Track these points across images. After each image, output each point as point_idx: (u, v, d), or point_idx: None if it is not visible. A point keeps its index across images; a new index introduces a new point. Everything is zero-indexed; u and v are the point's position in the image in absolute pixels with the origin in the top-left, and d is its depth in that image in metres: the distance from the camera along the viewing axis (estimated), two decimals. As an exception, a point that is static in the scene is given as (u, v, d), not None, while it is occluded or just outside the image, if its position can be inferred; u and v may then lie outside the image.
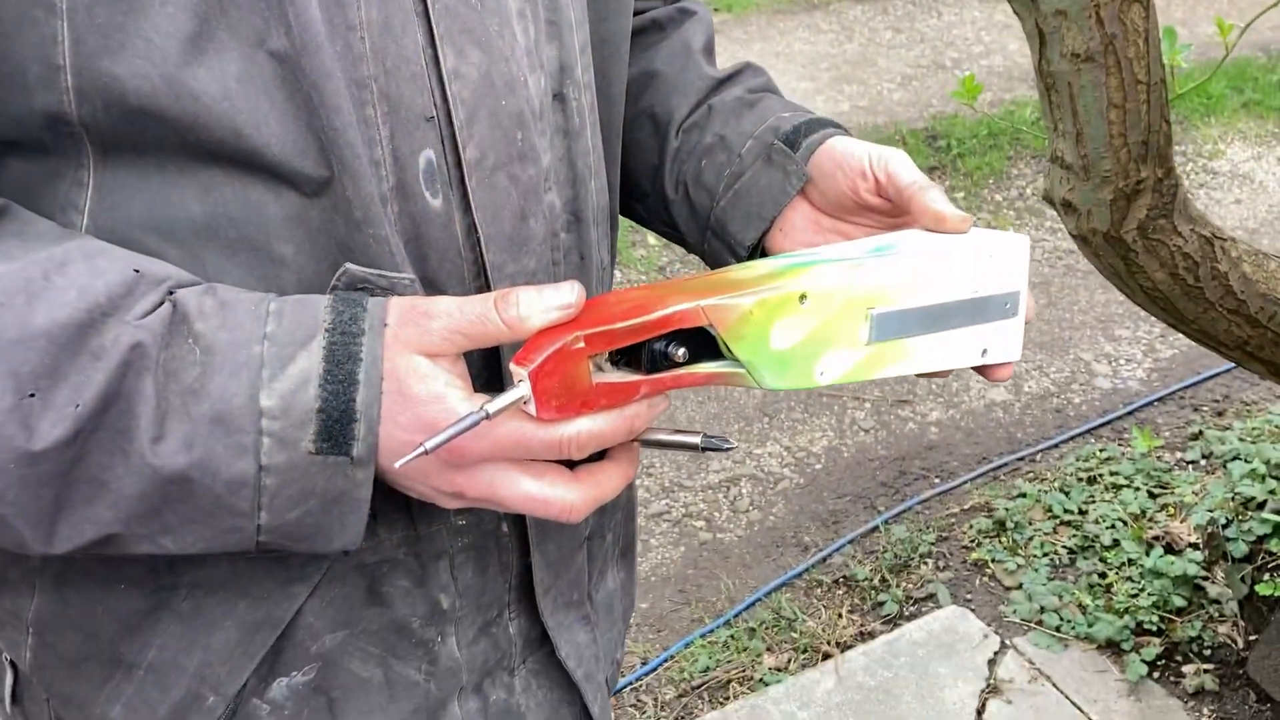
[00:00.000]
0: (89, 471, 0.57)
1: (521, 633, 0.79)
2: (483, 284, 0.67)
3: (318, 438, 0.58)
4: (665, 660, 2.34)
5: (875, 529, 2.66)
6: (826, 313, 0.65)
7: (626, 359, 0.62)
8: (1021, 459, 2.89)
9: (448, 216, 0.65)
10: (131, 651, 0.68)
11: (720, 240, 0.84)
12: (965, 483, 2.79)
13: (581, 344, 0.58)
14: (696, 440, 0.64)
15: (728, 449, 0.64)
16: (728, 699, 2.22)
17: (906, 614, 2.40)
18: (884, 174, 0.75)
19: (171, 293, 0.59)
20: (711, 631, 2.40)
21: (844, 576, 2.53)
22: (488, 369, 0.69)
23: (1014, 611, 2.34)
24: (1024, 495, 2.67)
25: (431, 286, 0.65)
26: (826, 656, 2.29)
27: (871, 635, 2.34)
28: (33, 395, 0.54)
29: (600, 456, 0.65)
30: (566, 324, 0.59)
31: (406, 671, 0.73)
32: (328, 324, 0.58)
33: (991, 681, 2.18)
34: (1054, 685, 2.17)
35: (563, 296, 0.59)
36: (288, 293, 0.62)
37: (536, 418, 0.58)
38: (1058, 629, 2.28)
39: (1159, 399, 3.12)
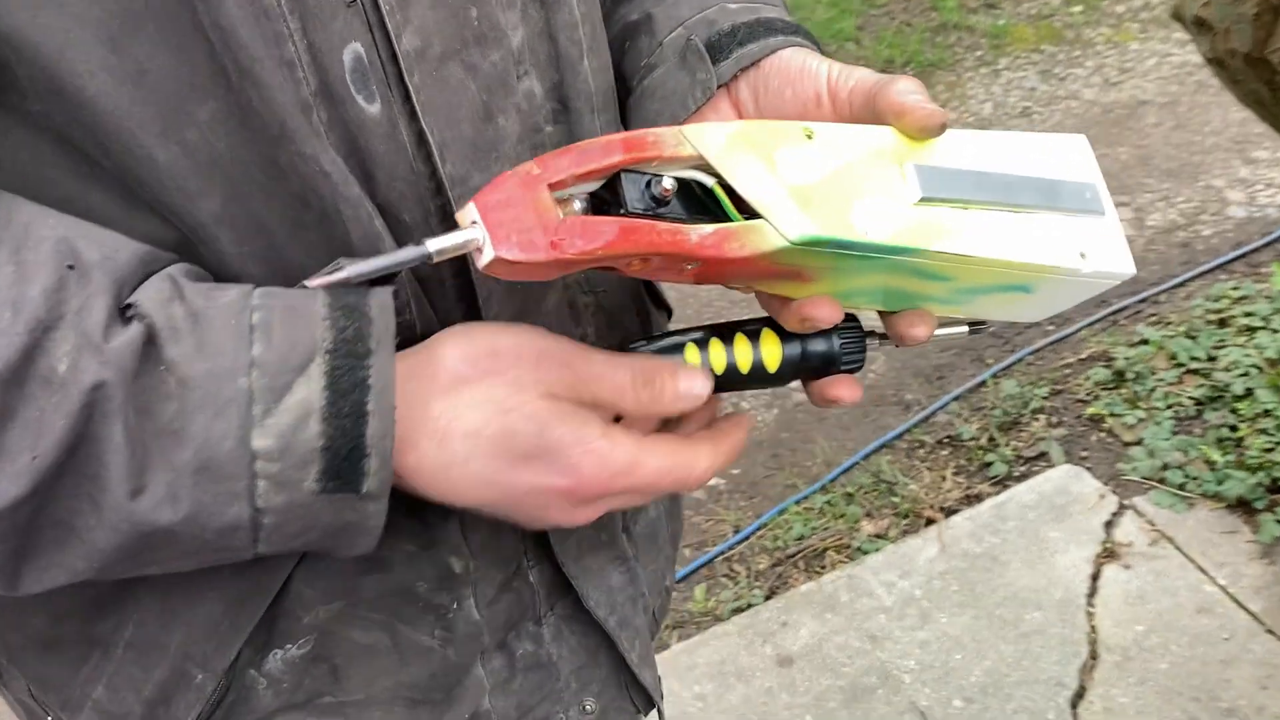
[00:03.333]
0: (55, 516, 0.48)
1: (544, 580, 0.69)
2: (444, 202, 0.54)
3: (322, 477, 0.49)
4: (758, 528, 2.26)
5: (982, 384, 2.49)
6: (845, 156, 0.52)
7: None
8: (1143, 301, 2.66)
9: (390, 123, 0.52)
10: (106, 630, 0.61)
11: None
12: (1081, 330, 2.59)
13: (537, 170, 0.47)
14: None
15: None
16: (824, 568, 2.14)
17: (1016, 475, 2.26)
18: (846, 89, 0.58)
19: (128, 308, 0.48)
20: (807, 497, 2.30)
21: (948, 436, 2.39)
22: (463, 301, 0.58)
23: (1133, 469, 2.18)
24: (1146, 342, 2.46)
25: (385, 211, 0.53)
26: (929, 522, 2.17)
27: (978, 498, 2.21)
28: None
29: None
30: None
31: (417, 637, 0.64)
32: (328, 344, 0.48)
33: (1108, 545, 2.05)
34: (1177, 548, 2.02)
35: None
36: (205, 226, 0.51)
37: (494, 261, 0.47)
38: (1182, 487, 2.12)
39: (1301, 227, 2.84)
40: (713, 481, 2.39)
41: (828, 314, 0.57)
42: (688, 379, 0.56)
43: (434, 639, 0.65)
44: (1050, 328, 2.64)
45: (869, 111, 0.57)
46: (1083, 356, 2.51)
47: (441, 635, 0.65)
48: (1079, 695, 1.83)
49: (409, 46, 0.51)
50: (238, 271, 0.52)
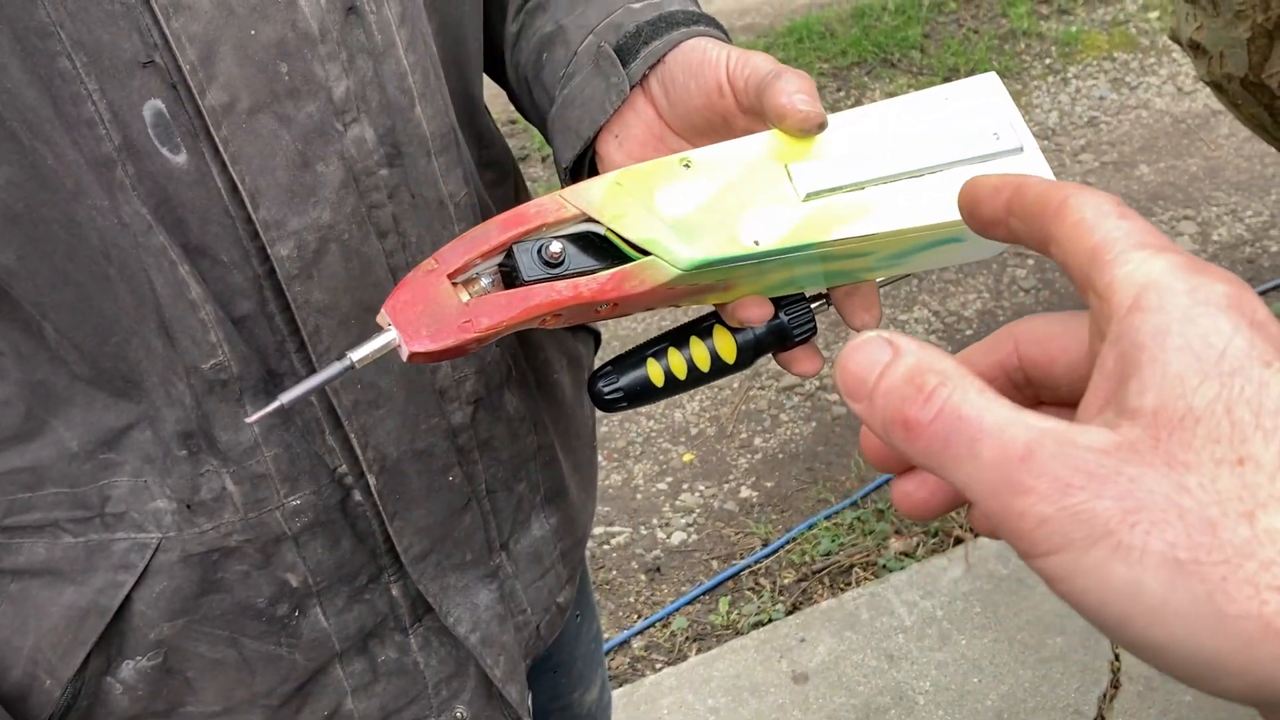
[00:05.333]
0: None
1: (408, 594, 0.73)
2: (262, 244, 0.57)
3: None
4: (786, 543, 2.25)
5: (1024, 401, 2.45)
6: (727, 174, 0.54)
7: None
8: (1201, 319, 2.59)
9: (199, 172, 0.55)
10: None
11: (555, 156, 0.70)
12: (1132, 348, 2.53)
13: (434, 264, 0.51)
14: None
15: None
16: (849, 584, 2.13)
17: (1050, 496, 2.22)
18: (743, 79, 0.57)
19: None
20: (837, 513, 2.29)
21: (985, 454, 2.35)
22: (295, 335, 0.61)
23: (1172, 494, 2.12)
24: (1195, 363, 2.39)
25: (201, 254, 0.57)
26: (958, 541, 2.15)
27: (1010, 518, 2.18)
28: None
29: None
30: None
31: (263, 647, 0.69)
32: None
33: (1140, 571, 2.00)
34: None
35: None
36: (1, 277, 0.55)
37: (412, 355, 0.50)
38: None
39: (1376, 244, 2.73)
40: (744, 493, 2.40)
41: (756, 313, 0.59)
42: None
43: (280, 646, 0.69)
44: (1101, 345, 2.58)
45: (760, 103, 0.57)
46: (1130, 376, 2.45)
47: (288, 642, 0.69)
48: (1097, 724, 1.80)
49: (215, 102, 0.53)
50: (43, 316, 0.57)
